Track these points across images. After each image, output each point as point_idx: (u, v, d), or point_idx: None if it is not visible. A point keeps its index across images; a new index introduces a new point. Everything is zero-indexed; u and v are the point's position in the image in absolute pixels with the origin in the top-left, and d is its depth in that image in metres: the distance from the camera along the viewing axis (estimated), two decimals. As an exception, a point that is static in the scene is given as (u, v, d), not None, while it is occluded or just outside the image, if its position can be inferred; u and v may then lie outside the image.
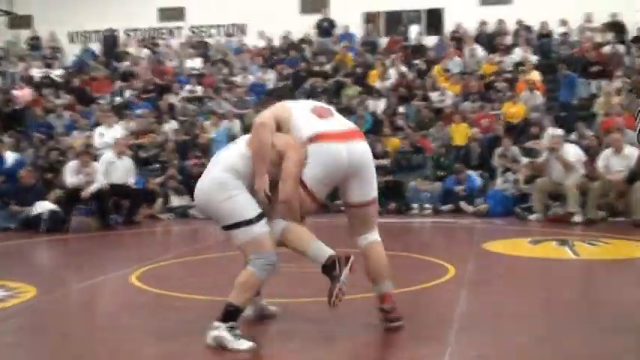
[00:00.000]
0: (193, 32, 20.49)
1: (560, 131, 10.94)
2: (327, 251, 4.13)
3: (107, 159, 11.08)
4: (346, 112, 15.01)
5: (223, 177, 4.13)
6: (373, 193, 4.38)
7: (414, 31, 19.36)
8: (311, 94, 15.94)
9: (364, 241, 4.41)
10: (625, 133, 10.94)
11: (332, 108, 4.55)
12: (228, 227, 4.11)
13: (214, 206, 4.13)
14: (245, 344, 3.96)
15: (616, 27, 17.35)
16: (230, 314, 4.04)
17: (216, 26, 20.62)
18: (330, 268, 4.07)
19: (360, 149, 4.28)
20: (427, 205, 11.64)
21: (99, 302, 5.88)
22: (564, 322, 4.61)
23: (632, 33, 17.23)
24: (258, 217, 4.08)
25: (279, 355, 3.97)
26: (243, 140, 4.41)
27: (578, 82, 14.75)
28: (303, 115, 4.35)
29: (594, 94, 14.87)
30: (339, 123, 4.37)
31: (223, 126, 14.45)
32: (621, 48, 16.33)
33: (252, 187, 4.13)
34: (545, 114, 13.83)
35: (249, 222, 4.05)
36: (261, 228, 4.07)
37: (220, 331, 3.99)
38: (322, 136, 4.18)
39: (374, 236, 4.44)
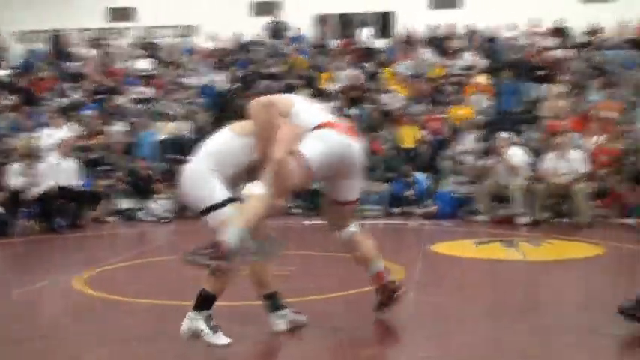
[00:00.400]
0: (143, 33, 20.26)
1: (505, 134, 11.09)
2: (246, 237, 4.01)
3: (52, 161, 10.91)
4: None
5: (195, 166, 4.26)
6: (358, 193, 4.58)
7: (365, 34, 19.49)
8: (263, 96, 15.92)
9: (348, 233, 4.60)
10: (569, 136, 11.18)
11: None
12: (202, 213, 4.22)
13: (188, 194, 4.29)
14: (223, 339, 3.97)
15: (561, 32, 17.73)
16: (205, 301, 4.05)
17: (167, 27, 20.44)
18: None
19: (360, 150, 4.43)
20: (377, 207, 11.71)
21: (42, 307, 5.77)
22: (509, 322, 4.68)
23: (577, 38, 17.63)
24: (228, 201, 4.14)
25: (233, 357, 3.94)
26: (226, 129, 4.49)
27: (522, 87, 14.91)
28: (307, 105, 4.50)
29: (540, 98, 15.14)
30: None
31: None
32: (566, 53, 16.66)
33: (234, 170, 4.24)
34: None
35: (218, 206, 4.11)
36: (230, 211, 4.10)
37: (197, 321, 3.98)
38: (333, 125, 4.33)
39: (355, 227, 4.65)
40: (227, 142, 4.34)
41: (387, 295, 4.64)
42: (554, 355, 3.95)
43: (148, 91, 16.55)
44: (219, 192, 4.18)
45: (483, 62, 16.71)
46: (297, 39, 18.88)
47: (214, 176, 4.20)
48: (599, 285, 6.23)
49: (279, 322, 4.35)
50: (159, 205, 11.70)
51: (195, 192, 4.24)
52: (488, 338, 4.26)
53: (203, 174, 4.21)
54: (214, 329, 4.00)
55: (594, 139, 11.94)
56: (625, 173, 10.61)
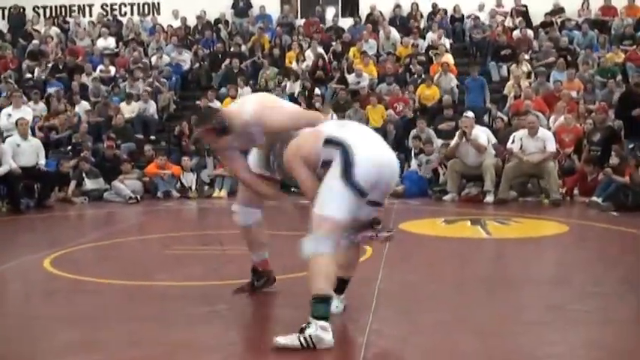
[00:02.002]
0: (105, 11, 19.92)
1: (470, 114, 11.16)
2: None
3: (13, 141, 10.74)
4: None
5: None
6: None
7: (330, 12, 19.44)
8: (228, 76, 15.83)
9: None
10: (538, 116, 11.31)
11: None
12: None
13: None
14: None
15: (524, 11, 17.87)
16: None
17: (129, 4, 20.13)
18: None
19: None
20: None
21: (10, 288, 5.69)
22: (478, 299, 4.75)
23: (540, 19, 17.78)
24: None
25: (197, 337, 3.93)
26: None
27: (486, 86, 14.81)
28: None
29: (505, 77, 15.28)
30: None
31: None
32: (529, 32, 16.81)
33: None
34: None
35: None
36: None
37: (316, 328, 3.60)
38: None
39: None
40: None
41: (266, 281, 4.73)
42: (522, 331, 4.01)
43: (111, 70, 16.33)
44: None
45: (448, 42, 16.79)
46: (262, 17, 18.76)
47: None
48: (565, 262, 6.34)
49: None
50: (126, 185, 11.59)
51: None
52: (456, 315, 4.31)
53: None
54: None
55: (559, 118, 12.11)
56: (586, 152, 10.78)
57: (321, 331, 3.57)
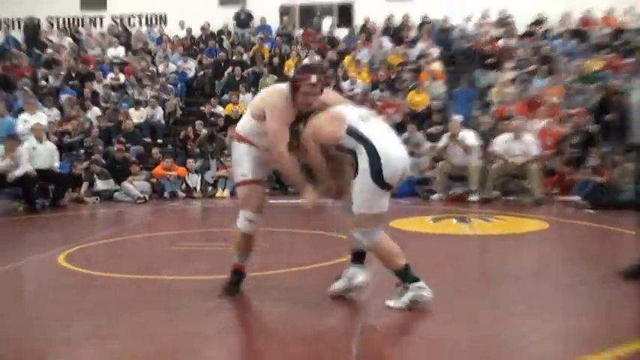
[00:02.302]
0: (115, 21, 19.96)
1: (459, 117, 11.24)
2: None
3: (29, 144, 10.80)
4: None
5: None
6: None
7: (326, 23, 19.49)
8: (230, 83, 15.88)
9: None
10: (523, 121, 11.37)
11: None
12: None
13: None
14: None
15: (508, 22, 17.92)
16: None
17: (137, 16, 20.17)
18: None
19: None
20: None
21: (27, 282, 5.73)
22: (462, 291, 4.79)
23: (524, 28, 17.83)
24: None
25: (204, 329, 3.98)
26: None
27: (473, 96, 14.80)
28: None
29: (490, 84, 15.33)
30: None
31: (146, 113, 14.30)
32: (513, 41, 16.87)
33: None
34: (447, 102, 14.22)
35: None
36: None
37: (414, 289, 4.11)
38: None
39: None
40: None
41: (238, 281, 4.59)
42: (503, 321, 4.06)
43: (121, 78, 16.37)
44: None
45: (437, 51, 16.85)
46: (262, 28, 18.80)
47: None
48: (545, 257, 6.38)
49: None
50: (135, 186, 11.63)
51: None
52: (443, 307, 4.35)
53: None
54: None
55: (541, 122, 12.17)
56: (566, 154, 10.84)
57: (419, 290, 4.11)
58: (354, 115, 4.14)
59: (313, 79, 4.15)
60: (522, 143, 10.38)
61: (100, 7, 20.21)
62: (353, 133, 4.02)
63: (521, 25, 18.00)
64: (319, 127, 4.12)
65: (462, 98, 14.20)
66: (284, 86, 4.32)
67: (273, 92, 4.35)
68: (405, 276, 4.13)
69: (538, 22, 17.93)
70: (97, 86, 15.89)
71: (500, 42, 16.83)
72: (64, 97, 15.14)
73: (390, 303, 4.14)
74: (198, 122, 14.10)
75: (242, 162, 4.46)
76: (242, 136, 4.48)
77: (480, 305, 4.41)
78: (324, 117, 4.16)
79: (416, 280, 4.13)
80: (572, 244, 7.07)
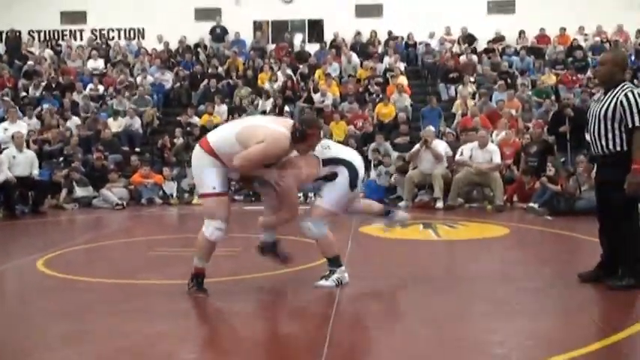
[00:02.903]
0: (94, 35, 19.73)
1: (432, 128, 11.35)
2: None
3: (9, 153, 10.59)
4: (239, 110, 14.95)
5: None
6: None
7: (297, 38, 19.48)
8: (206, 94, 15.76)
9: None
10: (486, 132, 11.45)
11: None
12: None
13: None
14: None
15: (469, 39, 18.10)
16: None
17: (116, 30, 19.96)
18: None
19: None
20: (310, 195, 11.73)
21: (6, 287, 5.58)
22: (430, 293, 4.77)
23: (483, 45, 18.03)
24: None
25: (178, 330, 3.90)
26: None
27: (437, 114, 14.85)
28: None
29: (453, 97, 15.43)
30: None
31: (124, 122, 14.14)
32: (474, 57, 17.03)
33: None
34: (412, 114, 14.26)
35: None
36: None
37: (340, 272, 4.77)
38: None
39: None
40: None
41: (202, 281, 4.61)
42: (469, 321, 4.05)
43: (100, 89, 16.16)
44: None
45: (402, 65, 16.93)
46: (236, 42, 18.74)
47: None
48: (507, 260, 6.39)
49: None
50: (113, 192, 11.45)
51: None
52: (411, 306, 4.34)
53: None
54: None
55: (500, 133, 12.26)
56: (524, 164, 10.92)
57: (342, 273, 4.79)
58: (318, 150, 4.68)
59: (321, 134, 4.73)
60: (486, 152, 10.45)
61: (80, 21, 19.94)
62: (326, 162, 4.67)
63: (480, 42, 18.20)
64: (299, 171, 4.60)
65: (430, 115, 14.20)
66: (288, 133, 4.44)
67: (281, 139, 4.41)
68: (336, 263, 4.81)
69: (497, 40, 18.12)
70: (76, 97, 15.65)
71: (462, 58, 16.97)
72: (44, 106, 14.89)
73: (320, 282, 4.74)
74: (178, 130, 13.94)
75: (209, 174, 4.49)
76: (214, 150, 4.46)
77: (446, 307, 4.38)
78: (300, 161, 4.62)
79: (340, 266, 4.82)
80: (532, 249, 7.11)
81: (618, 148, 4.47)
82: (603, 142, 4.53)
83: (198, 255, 4.59)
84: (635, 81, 15.18)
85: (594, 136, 4.60)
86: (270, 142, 4.34)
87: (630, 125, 4.39)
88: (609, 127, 4.47)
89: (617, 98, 4.45)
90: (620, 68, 4.61)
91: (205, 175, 4.49)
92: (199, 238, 4.58)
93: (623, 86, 4.51)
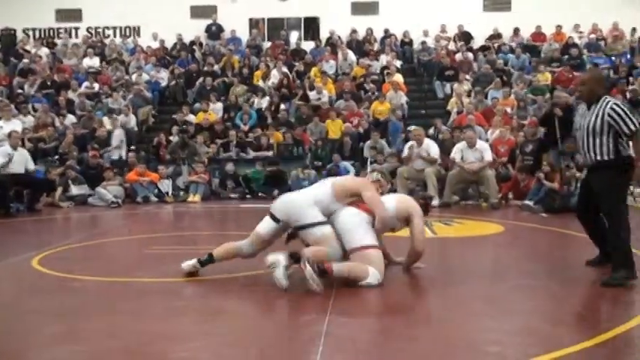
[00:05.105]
0: (90, 33, 19.68)
1: (420, 128, 11.28)
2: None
3: (4, 151, 10.55)
4: (234, 108, 14.94)
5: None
6: None
7: (293, 36, 19.47)
8: (201, 92, 15.74)
9: None
10: (475, 130, 11.43)
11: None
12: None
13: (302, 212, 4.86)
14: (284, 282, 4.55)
15: (465, 37, 18.10)
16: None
17: (112, 28, 19.92)
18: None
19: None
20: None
21: (0, 285, 5.55)
22: (425, 291, 4.79)
23: (479, 42, 18.04)
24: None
25: (173, 329, 3.89)
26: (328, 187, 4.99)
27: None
28: None
29: (448, 95, 15.44)
30: None
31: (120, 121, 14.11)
32: (470, 55, 17.03)
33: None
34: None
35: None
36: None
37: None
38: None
39: None
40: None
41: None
42: (463, 319, 4.04)
43: (95, 87, 16.13)
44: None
45: (398, 63, 16.93)
46: (232, 40, 18.71)
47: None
48: (502, 258, 6.40)
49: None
50: (108, 190, 11.43)
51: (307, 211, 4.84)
52: (405, 304, 4.34)
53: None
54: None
55: (495, 131, 12.27)
56: (519, 162, 10.93)
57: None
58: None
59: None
60: (476, 151, 10.43)
61: (76, 19, 19.90)
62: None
63: (476, 40, 18.22)
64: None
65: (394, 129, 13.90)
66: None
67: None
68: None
69: (493, 37, 18.14)
70: (72, 95, 15.62)
71: (458, 55, 16.98)
72: (39, 104, 14.85)
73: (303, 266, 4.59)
74: (174, 128, 13.92)
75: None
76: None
77: (441, 305, 4.38)
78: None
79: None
80: (527, 246, 7.11)
81: (606, 157, 4.85)
82: (595, 152, 4.89)
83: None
84: (630, 78, 15.22)
85: (585, 148, 4.95)
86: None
87: (627, 132, 4.77)
88: (598, 139, 4.85)
89: (604, 112, 4.82)
90: (600, 85, 5.03)
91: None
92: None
93: (604, 100, 4.88)
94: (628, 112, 4.79)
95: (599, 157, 4.86)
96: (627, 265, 4.73)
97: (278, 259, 4.62)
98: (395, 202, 5.15)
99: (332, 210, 4.89)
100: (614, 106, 4.80)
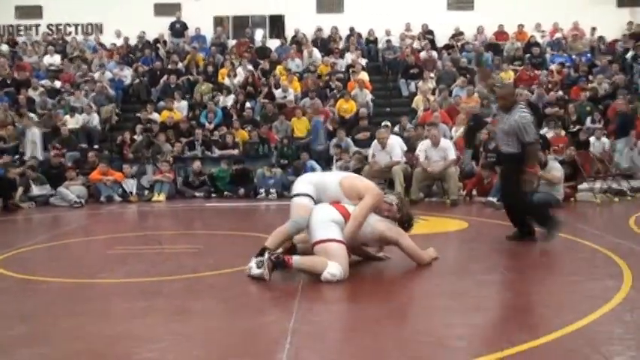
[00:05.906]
0: (51, 30, 19.35)
1: (387, 124, 11.35)
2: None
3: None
4: (199, 106, 14.83)
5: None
6: None
7: (258, 34, 19.40)
8: (166, 90, 15.59)
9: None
10: (440, 127, 11.52)
11: None
12: None
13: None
14: (257, 272, 4.71)
15: (429, 35, 18.24)
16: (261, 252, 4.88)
17: (73, 25, 19.60)
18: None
19: None
20: (272, 190, 11.72)
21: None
22: (391, 286, 4.80)
23: (443, 41, 18.19)
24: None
25: (138, 330, 3.85)
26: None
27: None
28: None
29: (413, 93, 15.54)
30: None
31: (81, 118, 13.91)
32: (434, 53, 17.17)
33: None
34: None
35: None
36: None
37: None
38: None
39: None
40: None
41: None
42: (429, 314, 4.08)
43: (57, 85, 15.86)
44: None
45: (363, 61, 16.99)
46: (197, 38, 18.57)
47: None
48: (466, 254, 6.46)
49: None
50: (71, 190, 11.26)
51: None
52: (372, 299, 4.36)
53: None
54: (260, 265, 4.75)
55: (459, 129, 12.38)
56: (483, 159, 11.05)
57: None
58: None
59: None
60: (440, 149, 10.51)
61: (36, 16, 19.54)
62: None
63: (440, 39, 18.37)
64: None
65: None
66: None
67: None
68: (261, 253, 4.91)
69: (456, 36, 18.31)
70: (32, 93, 15.34)
71: (423, 54, 17.10)
72: (-2, 103, 14.57)
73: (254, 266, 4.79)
74: (139, 127, 13.76)
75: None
76: None
77: (406, 301, 4.41)
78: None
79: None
80: (490, 241, 7.16)
81: (512, 151, 6.37)
82: (507, 148, 6.42)
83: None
84: (590, 76, 15.51)
85: (502, 144, 6.52)
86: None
87: (525, 142, 6.23)
88: (510, 139, 6.36)
89: (514, 120, 6.27)
90: (512, 97, 6.63)
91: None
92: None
93: (516, 109, 6.36)
94: (527, 126, 6.15)
95: (510, 150, 6.35)
96: (548, 224, 6.17)
97: (249, 265, 4.82)
98: (378, 225, 5.22)
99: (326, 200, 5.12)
100: (519, 118, 6.21)
